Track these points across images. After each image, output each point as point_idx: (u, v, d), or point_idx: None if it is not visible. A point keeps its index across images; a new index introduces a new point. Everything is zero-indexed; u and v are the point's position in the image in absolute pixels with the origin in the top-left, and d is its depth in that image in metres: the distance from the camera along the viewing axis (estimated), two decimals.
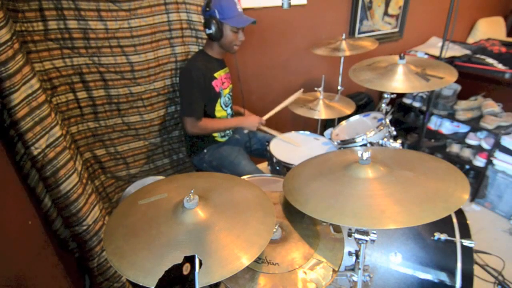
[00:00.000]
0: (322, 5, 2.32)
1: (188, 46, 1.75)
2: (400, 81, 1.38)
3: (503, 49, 2.54)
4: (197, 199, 0.80)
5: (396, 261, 1.09)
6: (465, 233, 1.11)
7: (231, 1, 1.48)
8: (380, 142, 1.61)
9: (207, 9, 1.47)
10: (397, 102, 2.80)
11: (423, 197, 0.77)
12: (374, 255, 1.11)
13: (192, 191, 0.80)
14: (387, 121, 1.70)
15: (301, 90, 1.90)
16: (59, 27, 1.38)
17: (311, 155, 1.14)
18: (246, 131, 1.75)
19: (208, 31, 1.48)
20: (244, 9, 1.58)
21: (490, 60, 2.40)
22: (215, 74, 1.62)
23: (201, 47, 1.75)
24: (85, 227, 1.15)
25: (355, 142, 1.61)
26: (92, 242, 1.19)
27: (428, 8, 3.00)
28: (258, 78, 2.28)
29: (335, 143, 1.68)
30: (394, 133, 1.70)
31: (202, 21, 1.69)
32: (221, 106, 1.69)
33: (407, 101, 2.74)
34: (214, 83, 1.61)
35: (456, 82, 1.59)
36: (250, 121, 1.70)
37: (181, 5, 1.64)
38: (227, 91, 1.71)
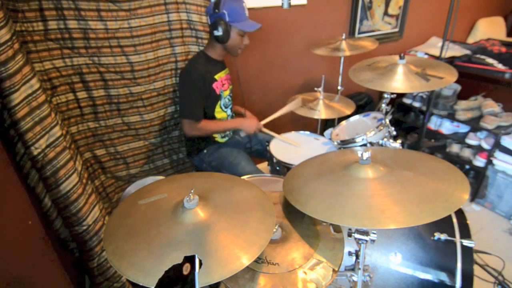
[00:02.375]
0: (322, 5, 2.32)
1: (188, 46, 1.75)
2: (400, 81, 1.38)
3: (503, 49, 2.53)
4: (197, 199, 0.80)
5: (396, 261, 1.09)
6: (465, 233, 1.11)
7: (241, 5, 1.47)
8: (380, 142, 1.61)
9: (216, 10, 1.44)
10: (397, 102, 2.80)
11: (423, 197, 0.77)
12: (374, 255, 1.11)
13: (192, 191, 0.80)
14: (387, 121, 1.70)
15: (300, 98, 1.86)
16: (59, 27, 1.38)
17: (311, 155, 1.14)
18: (243, 134, 1.73)
19: (216, 33, 1.46)
20: None
21: (490, 60, 2.40)
22: (216, 76, 1.61)
23: (201, 47, 1.75)
24: (85, 227, 1.15)
25: (355, 142, 1.61)
26: (92, 242, 1.19)
27: (428, 8, 3.00)
28: (258, 78, 2.28)
29: (335, 143, 1.67)
30: (394, 133, 1.70)
31: (203, 21, 1.69)
32: (221, 108, 1.69)
33: (407, 101, 2.74)
34: (214, 85, 1.60)
35: (456, 82, 1.60)
36: (248, 124, 1.67)
37: (181, 5, 1.64)
38: (227, 92, 1.70)
